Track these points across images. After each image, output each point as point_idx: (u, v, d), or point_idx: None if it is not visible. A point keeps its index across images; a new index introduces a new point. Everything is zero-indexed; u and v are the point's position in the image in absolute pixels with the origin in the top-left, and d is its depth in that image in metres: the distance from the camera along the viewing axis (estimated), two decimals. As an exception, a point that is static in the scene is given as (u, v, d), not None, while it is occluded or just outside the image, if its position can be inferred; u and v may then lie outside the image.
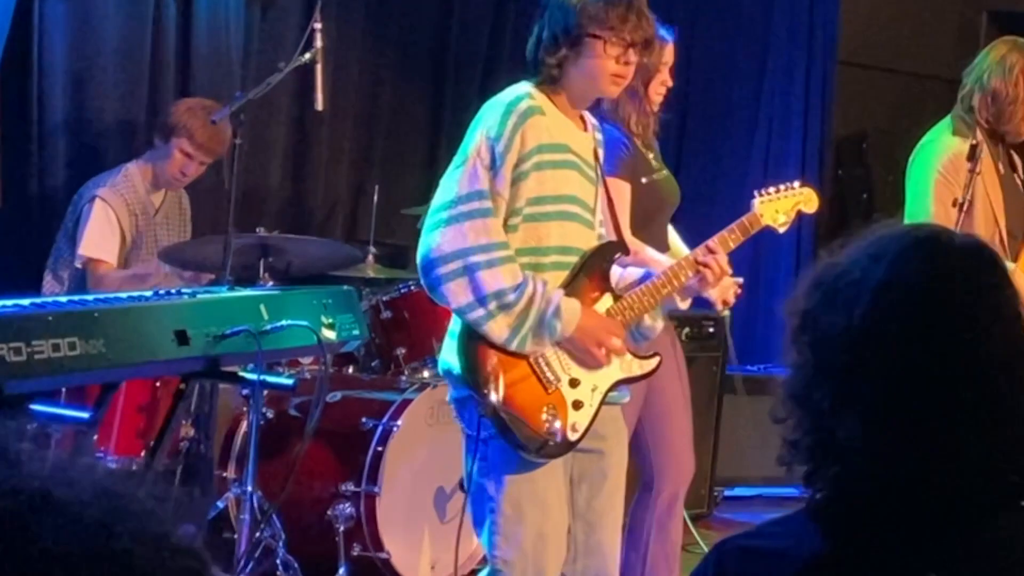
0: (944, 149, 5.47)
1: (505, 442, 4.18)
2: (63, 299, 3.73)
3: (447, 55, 8.08)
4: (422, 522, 5.80)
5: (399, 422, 5.69)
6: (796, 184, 4.69)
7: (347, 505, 5.62)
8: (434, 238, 4.13)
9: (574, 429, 4.25)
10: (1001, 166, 5.59)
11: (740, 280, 4.66)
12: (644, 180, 5.03)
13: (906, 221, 5.38)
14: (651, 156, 5.13)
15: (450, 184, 4.17)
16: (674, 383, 5.25)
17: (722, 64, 8.72)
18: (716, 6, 7.87)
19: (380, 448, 5.67)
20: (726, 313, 4.41)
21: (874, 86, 7.74)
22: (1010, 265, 5.30)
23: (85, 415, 3.80)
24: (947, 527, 1.91)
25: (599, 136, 4.49)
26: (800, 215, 4.69)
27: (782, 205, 4.63)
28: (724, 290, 4.59)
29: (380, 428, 5.70)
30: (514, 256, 4.15)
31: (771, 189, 4.64)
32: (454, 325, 4.25)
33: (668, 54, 5.13)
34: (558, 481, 4.31)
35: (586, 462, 4.38)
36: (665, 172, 5.19)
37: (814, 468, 1.96)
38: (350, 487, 5.63)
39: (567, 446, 4.25)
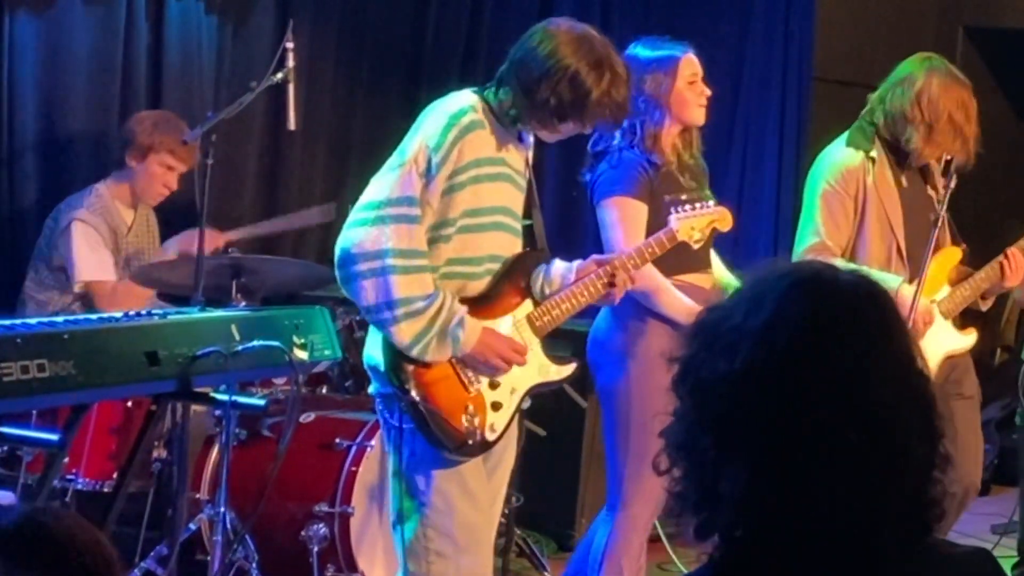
0: (835, 161, 5.46)
1: (424, 439, 4.27)
2: (32, 321, 3.70)
3: (420, 75, 8.06)
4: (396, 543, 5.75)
5: (373, 442, 5.66)
6: (711, 203, 4.88)
7: (321, 526, 5.59)
8: (357, 234, 4.21)
9: (492, 429, 4.39)
10: (905, 180, 5.50)
11: None
12: (667, 198, 4.96)
13: (797, 238, 5.48)
14: (685, 177, 5.08)
15: (383, 185, 4.25)
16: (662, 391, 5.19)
17: (697, 79, 8.68)
18: (691, 21, 7.84)
19: (354, 468, 5.64)
20: None
21: (850, 101, 7.70)
22: (901, 282, 5.28)
23: (54, 437, 3.78)
24: (849, 572, 1.85)
25: (531, 139, 4.55)
26: (715, 232, 4.88)
27: (697, 223, 4.80)
28: None
29: (354, 448, 5.67)
30: (429, 267, 4.24)
31: (687, 207, 4.80)
32: None
33: (686, 66, 5.13)
34: (483, 475, 4.42)
35: None
36: (705, 192, 5.11)
37: (705, 519, 1.89)
38: (324, 508, 5.60)
39: (485, 446, 4.38)
